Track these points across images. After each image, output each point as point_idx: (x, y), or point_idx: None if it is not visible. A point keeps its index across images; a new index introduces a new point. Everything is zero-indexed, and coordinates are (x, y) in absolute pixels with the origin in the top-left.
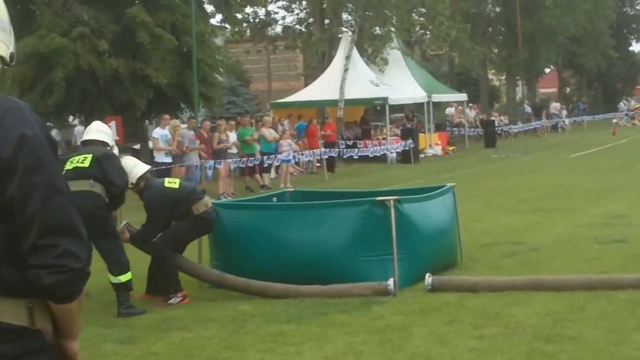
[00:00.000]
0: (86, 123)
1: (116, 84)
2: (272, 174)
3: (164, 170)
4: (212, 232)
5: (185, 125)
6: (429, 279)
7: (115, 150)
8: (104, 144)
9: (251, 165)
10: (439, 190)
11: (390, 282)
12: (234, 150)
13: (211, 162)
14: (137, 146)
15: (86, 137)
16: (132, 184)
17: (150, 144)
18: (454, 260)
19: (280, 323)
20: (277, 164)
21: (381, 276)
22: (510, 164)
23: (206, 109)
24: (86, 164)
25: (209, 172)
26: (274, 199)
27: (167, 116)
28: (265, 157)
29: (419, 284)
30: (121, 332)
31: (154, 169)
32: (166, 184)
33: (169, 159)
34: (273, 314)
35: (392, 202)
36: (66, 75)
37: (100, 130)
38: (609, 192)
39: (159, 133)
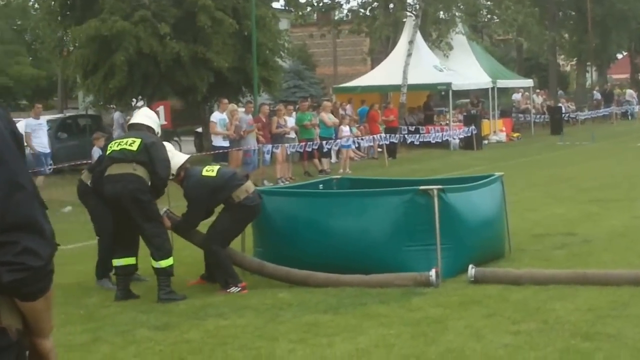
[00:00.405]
0: (148, 106)
1: (177, 68)
2: (333, 158)
3: (221, 154)
4: (256, 219)
5: (243, 109)
6: (471, 270)
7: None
8: (150, 129)
9: (309, 150)
10: (486, 180)
11: (433, 273)
12: (293, 135)
13: (269, 146)
14: (200, 129)
15: (134, 120)
16: (173, 174)
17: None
18: (502, 251)
19: (317, 313)
20: (337, 148)
21: (424, 267)
22: (574, 152)
23: (267, 93)
24: (134, 147)
25: (267, 157)
26: (320, 185)
27: (226, 100)
28: (324, 142)
29: (462, 275)
30: (158, 318)
31: (212, 152)
32: (204, 173)
33: (226, 143)
34: (311, 303)
35: (435, 192)
36: (128, 58)
37: (148, 116)
38: None
39: (217, 117)
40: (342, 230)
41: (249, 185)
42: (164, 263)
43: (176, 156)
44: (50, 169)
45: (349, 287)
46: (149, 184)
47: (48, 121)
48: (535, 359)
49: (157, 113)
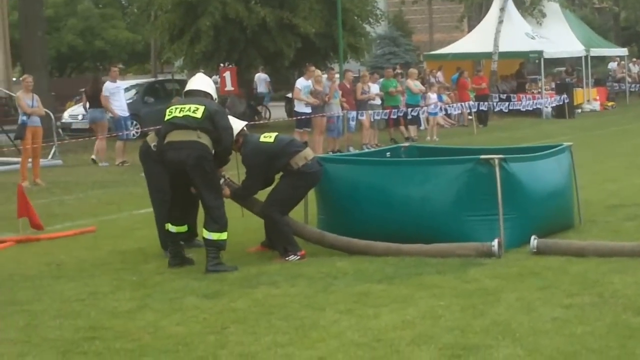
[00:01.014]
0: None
1: (264, 33)
2: (422, 125)
3: (305, 120)
4: (319, 186)
5: (326, 76)
6: (534, 241)
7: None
8: (208, 95)
9: (395, 117)
10: (552, 150)
11: (495, 243)
12: (378, 102)
13: (353, 113)
14: (290, 95)
15: (191, 87)
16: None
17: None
18: (570, 222)
19: (370, 282)
20: (424, 116)
21: (487, 237)
22: None
23: (354, 59)
24: (198, 114)
25: (352, 124)
26: (388, 153)
27: (313, 67)
28: (409, 109)
29: (525, 246)
30: (209, 286)
31: (294, 118)
32: (261, 139)
33: (308, 109)
34: (367, 273)
35: (496, 161)
36: (213, 23)
37: (206, 82)
38: None
39: (302, 84)
40: (404, 199)
41: (308, 152)
42: (216, 235)
43: (235, 123)
44: (137, 133)
45: (408, 257)
46: (213, 152)
47: (135, 85)
48: (583, 333)
49: (224, 78)
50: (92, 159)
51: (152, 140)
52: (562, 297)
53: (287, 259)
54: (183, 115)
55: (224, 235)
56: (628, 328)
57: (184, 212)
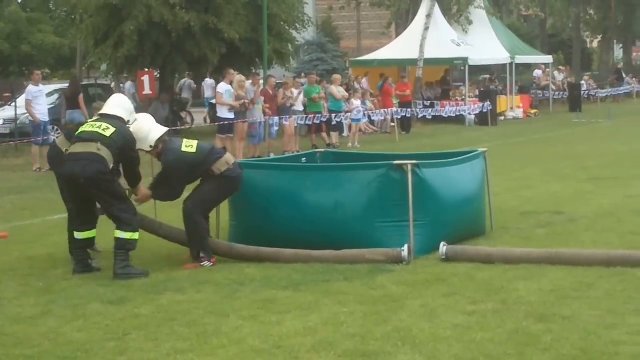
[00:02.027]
0: (160, 76)
1: (188, 38)
2: (345, 132)
3: (227, 126)
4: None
5: (250, 81)
6: (443, 248)
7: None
8: (122, 120)
9: (318, 123)
10: (466, 156)
11: (405, 249)
12: (301, 108)
13: (275, 119)
14: (214, 101)
15: (105, 110)
16: (151, 146)
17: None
18: (482, 228)
19: (276, 289)
20: (347, 122)
21: (398, 243)
22: (588, 130)
23: (280, 65)
24: (107, 133)
25: (274, 130)
26: (304, 159)
27: (232, 71)
28: (333, 116)
29: (436, 252)
30: (115, 292)
31: (217, 124)
32: (183, 148)
33: (231, 115)
34: (274, 279)
35: (409, 167)
36: (138, 27)
37: (120, 105)
38: None
39: (224, 88)
40: (316, 205)
41: (229, 157)
42: (128, 235)
43: (155, 129)
44: (57, 138)
45: (318, 264)
46: (111, 166)
47: (58, 90)
48: (482, 340)
49: (142, 82)
50: None
51: (61, 143)
52: (466, 304)
53: (201, 264)
54: (91, 131)
55: (135, 236)
56: (528, 335)
57: (88, 217)
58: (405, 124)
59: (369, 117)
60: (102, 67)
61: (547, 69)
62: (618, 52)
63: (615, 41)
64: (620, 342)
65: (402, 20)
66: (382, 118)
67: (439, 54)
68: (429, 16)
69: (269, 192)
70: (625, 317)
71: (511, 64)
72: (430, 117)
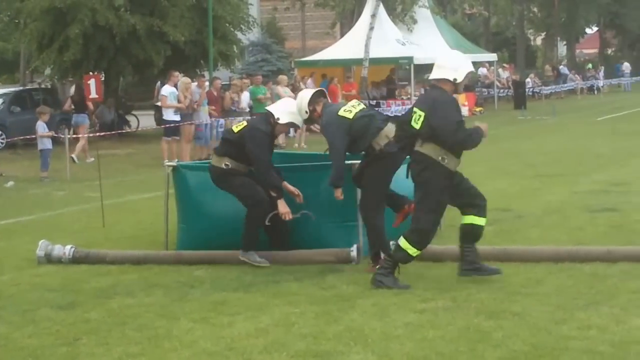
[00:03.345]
0: (105, 79)
1: (133, 41)
2: (291, 132)
3: (173, 128)
4: (179, 194)
5: (195, 83)
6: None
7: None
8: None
9: None
10: None
11: (354, 249)
12: (247, 109)
13: (221, 120)
14: (159, 103)
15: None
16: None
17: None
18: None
19: (226, 291)
20: None
21: (347, 243)
22: (533, 126)
23: (225, 67)
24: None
25: (220, 131)
26: None
27: (176, 73)
28: None
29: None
30: (64, 297)
31: (163, 126)
32: (340, 112)
33: (177, 117)
34: (224, 281)
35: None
36: (83, 31)
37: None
38: (622, 157)
39: (168, 90)
40: None
41: (389, 129)
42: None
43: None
44: (2, 143)
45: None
46: None
47: (2, 94)
48: (434, 338)
49: (88, 86)
50: (72, 158)
51: (218, 162)
52: (416, 303)
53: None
54: None
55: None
56: (479, 332)
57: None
58: None
59: None
60: (46, 71)
61: (492, 67)
62: (562, 49)
63: (558, 38)
64: (570, 337)
65: (346, 20)
66: None
67: (384, 53)
68: (373, 16)
69: (217, 194)
70: (574, 312)
71: None
72: None
